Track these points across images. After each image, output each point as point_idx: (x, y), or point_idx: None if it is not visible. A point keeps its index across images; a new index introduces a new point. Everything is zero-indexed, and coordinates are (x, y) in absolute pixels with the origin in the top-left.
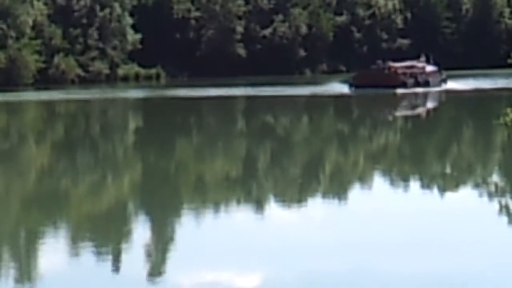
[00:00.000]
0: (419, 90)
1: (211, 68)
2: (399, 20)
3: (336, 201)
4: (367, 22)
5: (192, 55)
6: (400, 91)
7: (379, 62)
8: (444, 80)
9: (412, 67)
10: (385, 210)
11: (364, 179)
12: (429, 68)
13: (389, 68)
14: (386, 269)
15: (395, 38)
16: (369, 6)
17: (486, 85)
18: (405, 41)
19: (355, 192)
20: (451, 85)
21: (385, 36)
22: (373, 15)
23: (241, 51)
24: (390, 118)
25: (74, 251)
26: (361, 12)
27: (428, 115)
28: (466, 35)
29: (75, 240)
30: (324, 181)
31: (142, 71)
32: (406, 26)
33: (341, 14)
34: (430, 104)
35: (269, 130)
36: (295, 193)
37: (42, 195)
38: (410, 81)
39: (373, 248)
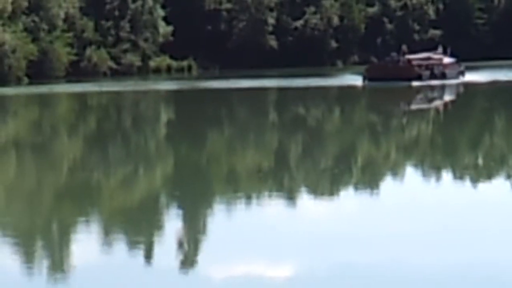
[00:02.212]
0: (435, 82)
1: (243, 60)
2: (431, 11)
3: (368, 192)
4: (399, 13)
5: (224, 47)
6: (415, 83)
7: (394, 53)
8: (462, 72)
9: (428, 58)
10: (417, 202)
11: (394, 170)
12: (446, 60)
13: (404, 60)
14: (418, 261)
15: (427, 29)
16: None
17: (505, 77)
18: (437, 32)
19: (387, 183)
20: (469, 77)
21: (417, 27)
22: (405, 6)
23: (273, 42)
24: (405, 111)
25: (107, 243)
26: (392, 3)
27: (446, 108)
28: (498, 25)
29: (107, 232)
30: (356, 172)
31: (174, 63)
32: (438, 17)
33: (372, 5)
34: (447, 97)
35: (294, 121)
36: (326, 185)
37: (75, 188)
38: (426, 73)
39: (406, 240)
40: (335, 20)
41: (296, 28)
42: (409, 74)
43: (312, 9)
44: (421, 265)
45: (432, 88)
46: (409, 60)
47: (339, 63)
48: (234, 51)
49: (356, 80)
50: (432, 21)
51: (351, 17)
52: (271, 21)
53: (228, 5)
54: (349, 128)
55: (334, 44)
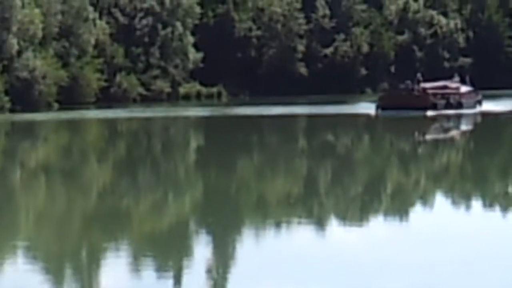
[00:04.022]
0: (451, 112)
1: (272, 87)
2: (461, 39)
3: (396, 220)
4: (429, 41)
5: (254, 74)
6: (430, 113)
7: (408, 82)
8: (479, 102)
9: (444, 87)
10: (446, 230)
11: (416, 198)
12: (464, 88)
13: (419, 88)
14: None
15: (457, 57)
16: (430, 25)
17: None
18: (467, 60)
19: (416, 211)
20: (487, 106)
21: (446, 55)
22: (434, 34)
23: (302, 69)
24: (420, 141)
25: (136, 269)
26: (422, 31)
27: (462, 138)
28: None
29: (136, 259)
30: (385, 200)
31: (204, 89)
32: (468, 45)
33: (402, 33)
34: (464, 127)
35: (324, 149)
36: (356, 212)
37: (104, 214)
38: (441, 102)
39: (435, 269)
40: (365, 48)
41: (325, 56)
42: (423, 103)
43: (342, 36)
44: None
45: (448, 117)
46: (424, 89)
47: (369, 91)
48: (264, 78)
49: (370, 109)
50: (462, 49)
51: (381, 45)
52: (301, 48)
53: (258, 32)
54: (363, 158)
55: (363, 71)
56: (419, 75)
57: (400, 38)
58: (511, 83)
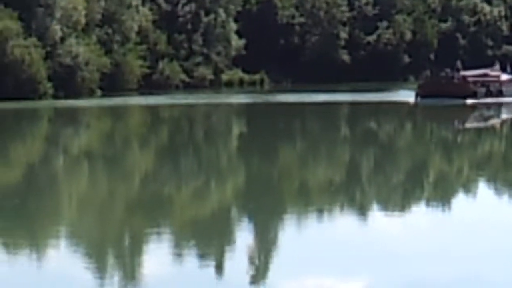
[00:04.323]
0: (491, 100)
1: (315, 74)
2: (504, 26)
3: (438, 208)
4: (472, 28)
5: (296, 61)
6: (469, 101)
7: (448, 70)
8: None
9: (484, 75)
10: (488, 219)
11: (459, 186)
12: (504, 76)
13: (459, 76)
14: (490, 279)
15: (501, 45)
16: (474, 13)
17: None
18: (511, 48)
19: (458, 200)
20: None
21: (490, 42)
22: (478, 22)
23: (345, 57)
24: (459, 129)
25: (177, 255)
26: (466, 18)
27: (503, 127)
28: None
29: (178, 244)
30: (427, 188)
31: (246, 76)
32: None
33: (445, 20)
34: (504, 115)
35: (366, 136)
36: (397, 200)
37: (146, 199)
38: (481, 90)
39: (477, 257)
40: (408, 35)
41: (368, 43)
42: (463, 91)
43: (385, 24)
44: (493, 282)
45: (488, 106)
46: (464, 77)
47: (411, 78)
48: (307, 65)
49: (410, 97)
50: (506, 37)
51: (424, 33)
52: (343, 35)
53: (301, 19)
54: (403, 146)
55: (406, 59)
56: (458, 63)
57: (443, 25)
58: None
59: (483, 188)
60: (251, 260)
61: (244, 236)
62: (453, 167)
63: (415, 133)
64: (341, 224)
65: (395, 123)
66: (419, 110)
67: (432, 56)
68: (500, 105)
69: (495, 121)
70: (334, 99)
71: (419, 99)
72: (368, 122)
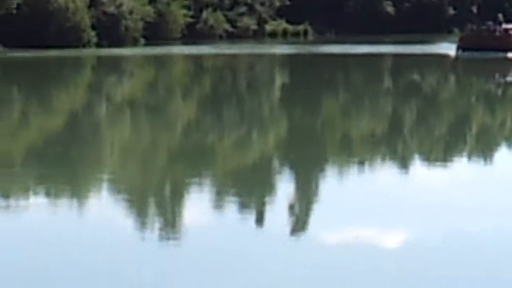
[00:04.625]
0: None
1: (359, 26)
2: None
3: (481, 161)
4: None
5: (340, 12)
6: (511, 55)
7: (490, 23)
8: None
9: None
10: None
11: (501, 141)
12: None
13: (500, 29)
14: None
15: None
16: None
17: None
18: None
19: (500, 153)
20: None
21: None
22: None
23: (389, 8)
24: (501, 83)
25: (219, 205)
26: None
27: None
28: None
29: (219, 194)
30: (469, 141)
31: (290, 27)
32: None
33: None
34: None
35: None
36: (439, 152)
37: (188, 149)
38: None
39: None
40: None
41: None
42: (505, 44)
43: None
44: None
45: None
46: (506, 30)
47: (456, 31)
48: (351, 16)
49: (450, 49)
50: None
51: None
52: None
53: None
54: (443, 99)
55: (451, 11)
56: (500, 16)
57: None
58: None
59: None
60: (291, 211)
61: (285, 187)
62: (494, 120)
63: (456, 86)
64: (383, 175)
65: (436, 75)
66: (459, 63)
67: (475, 8)
68: None
69: None
70: (378, 51)
71: (460, 51)
72: (409, 74)
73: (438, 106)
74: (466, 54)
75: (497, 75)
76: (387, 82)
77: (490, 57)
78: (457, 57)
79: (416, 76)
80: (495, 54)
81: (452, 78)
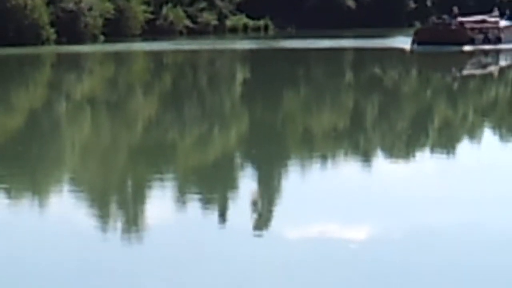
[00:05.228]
0: (489, 47)
1: (320, 20)
2: None
3: (444, 155)
4: None
5: (301, 7)
6: (467, 48)
7: (445, 16)
8: None
9: (482, 21)
10: (489, 165)
11: (457, 134)
12: (503, 23)
13: (456, 22)
14: (496, 225)
15: None
16: None
17: None
18: None
19: (463, 146)
20: None
21: None
22: None
23: (350, 2)
24: (457, 76)
25: (180, 201)
26: None
27: (501, 74)
28: None
29: (181, 191)
30: (429, 134)
31: (250, 22)
32: None
33: None
34: (502, 62)
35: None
36: (402, 146)
37: (149, 146)
38: (479, 37)
39: (482, 204)
40: None
41: None
42: (461, 37)
43: None
44: (497, 229)
45: (486, 53)
46: (462, 23)
47: (417, 24)
48: (311, 10)
49: (405, 43)
50: None
51: None
52: None
53: None
54: (399, 93)
55: (412, 4)
56: (455, 8)
57: None
58: None
59: (485, 134)
60: (254, 207)
61: (247, 183)
62: (454, 114)
63: (413, 80)
64: (345, 170)
65: (392, 70)
66: (415, 57)
67: (432, 1)
68: (498, 52)
69: (493, 68)
70: (338, 45)
71: (415, 45)
72: (366, 68)
73: (397, 101)
74: (421, 48)
75: (453, 69)
76: (348, 77)
77: (445, 50)
78: (412, 51)
79: (374, 71)
80: (450, 48)
81: (408, 73)
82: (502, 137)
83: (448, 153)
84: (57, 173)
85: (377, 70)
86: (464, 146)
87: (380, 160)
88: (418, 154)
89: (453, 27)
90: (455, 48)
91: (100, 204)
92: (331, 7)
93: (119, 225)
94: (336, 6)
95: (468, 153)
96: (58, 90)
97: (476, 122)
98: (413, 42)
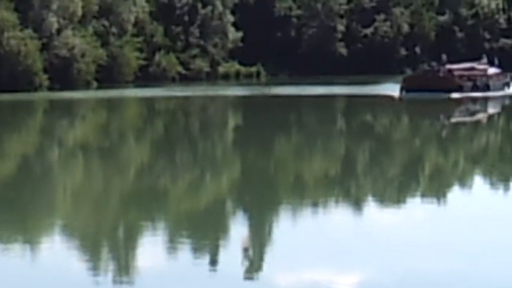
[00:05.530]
0: (477, 94)
1: (312, 67)
2: (502, 19)
3: (435, 201)
4: (470, 21)
5: (293, 54)
6: (455, 95)
7: (434, 63)
8: (507, 84)
9: (471, 69)
10: (483, 212)
11: (444, 181)
12: (491, 70)
13: (444, 70)
14: (486, 272)
15: (498, 38)
16: (472, 6)
17: None
18: (508, 41)
19: (453, 194)
20: None
21: (487, 36)
22: (476, 15)
23: (342, 50)
24: (445, 124)
25: (172, 247)
26: (464, 11)
27: (490, 121)
28: None
29: (173, 237)
30: (423, 181)
31: (243, 69)
32: (510, 26)
33: (443, 13)
34: (491, 110)
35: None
36: (394, 193)
37: (141, 192)
38: (468, 84)
39: (472, 251)
40: (405, 28)
41: (365, 36)
42: (449, 85)
43: (382, 16)
44: (487, 276)
45: (474, 100)
46: (450, 70)
47: (408, 71)
48: (303, 57)
49: (395, 90)
50: (503, 30)
51: (421, 25)
52: (340, 28)
53: (298, 12)
54: (391, 141)
55: (403, 51)
56: (444, 56)
57: (441, 18)
58: None
59: (475, 182)
60: (246, 253)
61: (239, 229)
62: (443, 161)
63: (402, 128)
64: (337, 217)
65: (381, 118)
66: (403, 104)
67: (428, 49)
68: (486, 99)
69: (481, 116)
70: (330, 92)
71: (403, 93)
72: (357, 116)
73: (387, 148)
74: (410, 95)
75: (441, 116)
76: (339, 124)
77: (434, 98)
78: (400, 98)
79: (364, 118)
80: (438, 95)
81: (397, 120)
82: (492, 185)
83: (438, 200)
84: (49, 219)
85: (367, 117)
86: (454, 193)
87: (371, 207)
88: (409, 201)
89: (442, 74)
90: (443, 95)
91: (92, 251)
92: (323, 54)
93: (110, 271)
94: (328, 53)
95: (458, 200)
96: (51, 136)
97: (466, 169)
98: (401, 89)
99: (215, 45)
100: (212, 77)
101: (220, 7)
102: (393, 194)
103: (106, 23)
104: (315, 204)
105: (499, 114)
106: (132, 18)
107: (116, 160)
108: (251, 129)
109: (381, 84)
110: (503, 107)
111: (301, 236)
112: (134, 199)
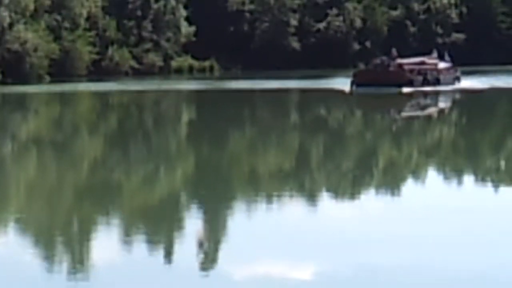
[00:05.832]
0: (428, 88)
1: (265, 61)
2: (454, 14)
3: (388, 194)
4: (422, 16)
5: (246, 48)
6: (406, 89)
7: (384, 58)
8: (457, 78)
9: (421, 63)
10: (436, 205)
11: (394, 175)
12: (442, 64)
13: (394, 64)
14: (439, 265)
15: (450, 33)
16: (424, 0)
17: (503, 84)
18: (460, 36)
19: (407, 187)
20: (466, 83)
21: (440, 30)
22: (428, 10)
23: (295, 44)
24: (395, 119)
25: (127, 242)
26: (416, 6)
27: (440, 116)
28: None
29: (127, 231)
30: (377, 175)
31: (196, 63)
32: (461, 21)
33: (395, 8)
34: (441, 104)
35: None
36: (348, 186)
37: (95, 187)
38: (418, 78)
39: (426, 243)
40: (358, 23)
41: (318, 30)
42: (399, 79)
43: (335, 11)
44: (440, 268)
45: (425, 94)
46: (400, 65)
47: (361, 65)
48: (256, 52)
49: (346, 84)
50: (456, 25)
51: (374, 20)
52: (293, 22)
53: (251, 6)
54: (343, 135)
55: (356, 46)
56: (394, 50)
57: (393, 13)
58: (504, 59)
59: (428, 174)
60: (200, 246)
61: (194, 223)
62: (396, 155)
63: (353, 122)
64: (291, 210)
65: (333, 111)
66: (355, 99)
67: (381, 43)
68: (437, 93)
69: (432, 110)
70: (283, 86)
71: (354, 87)
72: (309, 110)
73: (340, 142)
74: (360, 89)
75: (392, 111)
76: (293, 118)
77: (384, 92)
78: (351, 93)
79: (317, 112)
80: (388, 90)
81: (350, 114)
82: (445, 177)
83: (392, 193)
84: (1, 214)
85: (320, 111)
86: (408, 186)
87: (325, 201)
88: (363, 194)
89: (392, 68)
90: (394, 90)
91: (46, 245)
92: (276, 48)
93: (64, 265)
94: (281, 48)
95: (412, 193)
96: (3, 130)
97: (419, 162)
98: (352, 83)
99: (168, 40)
100: (165, 72)
101: (172, 2)
102: (347, 187)
103: (59, 18)
104: (269, 198)
105: (450, 108)
106: (85, 13)
107: (70, 154)
108: (205, 123)
109: (334, 78)
110: (454, 101)
111: (256, 229)
112: (88, 193)
